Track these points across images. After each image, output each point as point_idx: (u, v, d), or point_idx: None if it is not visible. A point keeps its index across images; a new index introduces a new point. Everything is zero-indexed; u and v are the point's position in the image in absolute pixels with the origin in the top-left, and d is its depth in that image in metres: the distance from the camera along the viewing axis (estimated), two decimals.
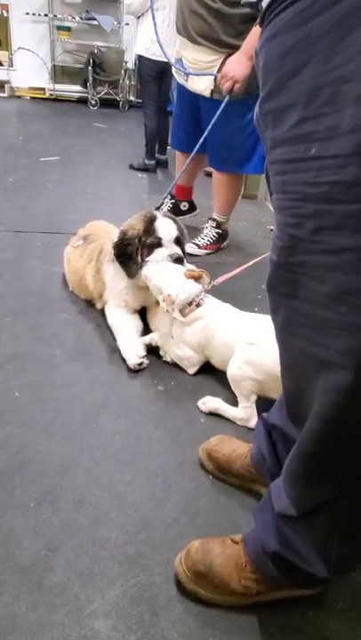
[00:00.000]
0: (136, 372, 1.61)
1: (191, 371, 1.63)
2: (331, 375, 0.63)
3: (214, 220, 2.64)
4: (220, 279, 1.66)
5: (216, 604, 0.96)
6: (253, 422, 1.41)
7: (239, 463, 1.20)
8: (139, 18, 3.84)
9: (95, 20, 6.97)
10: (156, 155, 4.22)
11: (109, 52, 6.96)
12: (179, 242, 1.79)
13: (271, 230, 3.10)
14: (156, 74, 3.90)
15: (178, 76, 2.37)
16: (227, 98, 2.08)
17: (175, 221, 1.81)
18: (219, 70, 2.09)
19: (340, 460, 0.70)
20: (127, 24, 6.96)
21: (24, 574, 0.99)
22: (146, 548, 1.06)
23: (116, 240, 1.74)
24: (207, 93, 2.20)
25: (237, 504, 1.19)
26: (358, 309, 0.56)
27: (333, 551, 0.79)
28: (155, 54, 3.78)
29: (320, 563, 0.81)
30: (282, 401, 1.04)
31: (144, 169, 4.13)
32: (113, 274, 1.79)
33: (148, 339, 1.70)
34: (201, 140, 2.23)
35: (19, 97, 7.30)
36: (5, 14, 7.00)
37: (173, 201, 2.87)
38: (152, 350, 1.70)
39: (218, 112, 2.09)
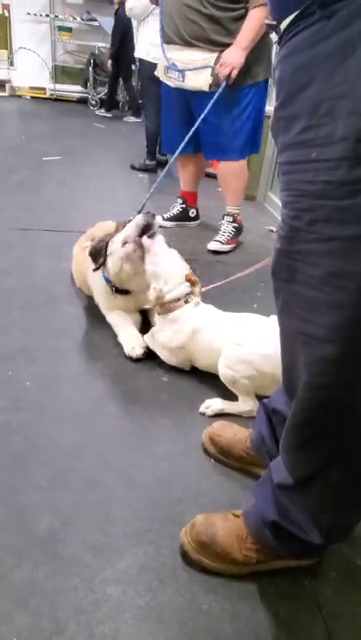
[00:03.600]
0: (139, 361, 1.69)
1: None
2: (317, 349, 0.72)
3: (230, 214, 2.76)
4: (208, 287, 1.72)
5: (218, 573, 1.04)
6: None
7: (240, 446, 1.29)
8: (141, 21, 3.92)
9: (96, 20, 7.05)
10: (157, 155, 4.30)
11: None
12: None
13: (270, 231, 3.21)
14: (156, 76, 3.97)
15: (169, 81, 2.50)
16: (224, 83, 2.27)
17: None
18: (215, 63, 2.28)
19: (328, 427, 0.79)
20: None
21: (41, 546, 1.07)
22: (153, 524, 1.15)
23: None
24: (206, 87, 2.35)
25: (237, 485, 1.27)
26: (341, 289, 0.66)
27: (325, 519, 0.87)
28: (155, 58, 3.84)
29: (314, 530, 0.89)
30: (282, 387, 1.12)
31: (145, 169, 4.21)
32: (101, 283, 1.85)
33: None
34: (193, 130, 2.33)
35: (19, 96, 7.37)
36: (7, 14, 7.08)
37: (184, 206, 2.99)
38: None
39: (215, 95, 2.26)
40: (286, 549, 0.99)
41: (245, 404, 1.48)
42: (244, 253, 2.79)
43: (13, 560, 1.04)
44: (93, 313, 1.97)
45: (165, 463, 1.32)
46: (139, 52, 3.97)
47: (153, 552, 1.08)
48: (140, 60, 4.00)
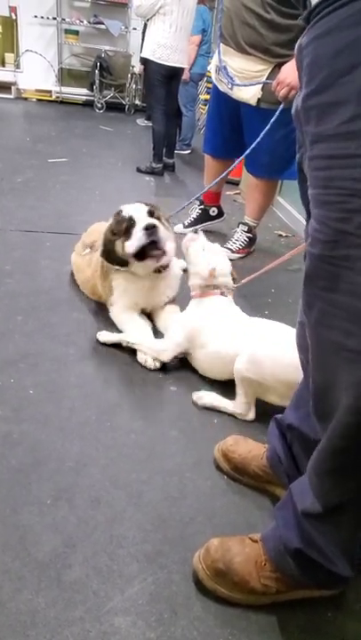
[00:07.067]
0: (150, 370, 1.62)
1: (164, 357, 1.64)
2: None
3: (246, 224, 2.66)
4: (244, 280, 1.68)
5: (234, 602, 0.96)
6: (251, 416, 1.45)
7: (255, 464, 1.21)
8: (148, 20, 3.85)
9: (103, 24, 7.02)
10: (164, 158, 4.24)
11: (116, 57, 7.01)
12: (152, 214, 1.77)
13: (280, 235, 3.13)
14: (163, 78, 3.92)
15: (220, 84, 2.33)
16: (281, 105, 2.06)
17: (144, 204, 1.83)
18: (269, 77, 2.07)
19: None
20: (135, 29, 7.02)
21: (42, 570, 0.99)
22: (163, 547, 1.07)
23: (100, 251, 1.79)
24: (253, 102, 2.17)
25: (253, 504, 1.19)
26: None
27: (357, 549, 0.79)
28: (161, 58, 3.80)
29: (343, 561, 0.81)
30: (298, 401, 1.04)
31: (151, 172, 4.15)
32: (123, 278, 1.79)
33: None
34: (249, 150, 2.23)
35: (25, 99, 7.33)
36: (14, 17, 7.05)
37: (203, 207, 2.89)
38: None
39: (272, 119, 2.09)
40: (310, 579, 0.91)
41: (239, 406, 1.44)
42: (252, 258, 2.71)
43: (12, 585, 0.96)
44: (100, 319, 1.89)
45: (176, 479, 1.24)
46: (145, 52, 3.90)
47: (164, 578, 1.00)
48: (146, 61, 3.93)
